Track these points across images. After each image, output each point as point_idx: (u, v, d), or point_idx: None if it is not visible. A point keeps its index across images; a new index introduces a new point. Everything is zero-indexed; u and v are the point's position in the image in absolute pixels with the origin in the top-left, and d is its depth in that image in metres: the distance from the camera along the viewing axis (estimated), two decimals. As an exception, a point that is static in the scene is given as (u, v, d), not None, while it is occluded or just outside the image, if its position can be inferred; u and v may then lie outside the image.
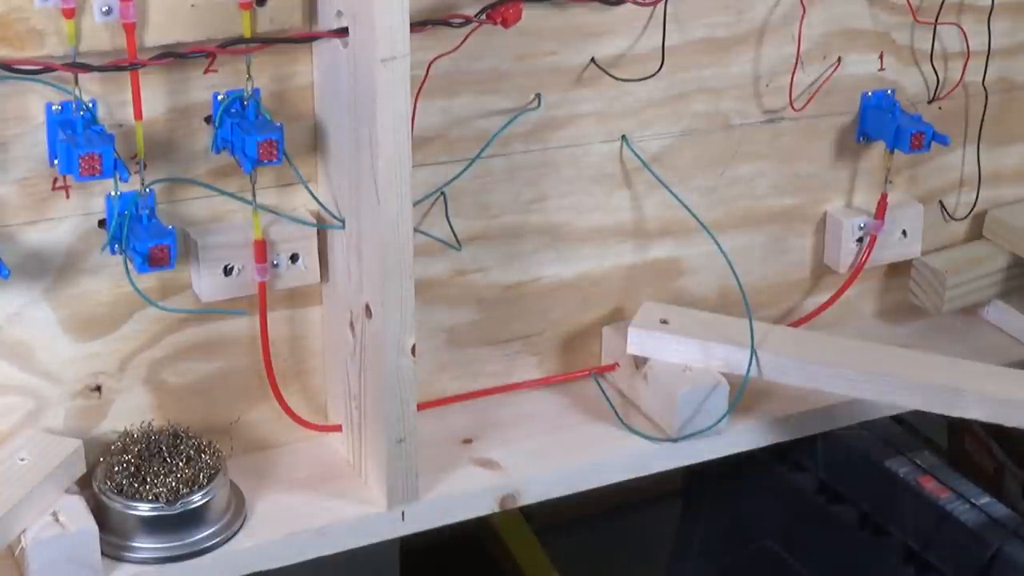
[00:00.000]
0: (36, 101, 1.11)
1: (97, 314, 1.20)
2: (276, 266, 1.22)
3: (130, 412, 1.23)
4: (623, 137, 1.36)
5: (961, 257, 1.55)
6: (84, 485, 1.19)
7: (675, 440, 1.33)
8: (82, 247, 1.17)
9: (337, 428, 1.30)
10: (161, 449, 1.20)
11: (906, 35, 1.46)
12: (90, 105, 1.11)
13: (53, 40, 1.08)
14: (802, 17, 1.38)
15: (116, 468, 1.18)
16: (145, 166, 1.15)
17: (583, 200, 1.36)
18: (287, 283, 1.24)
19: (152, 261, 1.12)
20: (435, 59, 1.22)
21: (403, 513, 1.25)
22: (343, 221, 1.20)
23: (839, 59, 1.43)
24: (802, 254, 1.50)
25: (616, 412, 1.36)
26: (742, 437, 1.38)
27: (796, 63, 1.40)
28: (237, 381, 1.27)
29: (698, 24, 1.35)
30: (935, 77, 1.48)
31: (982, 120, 1.52)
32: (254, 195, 1.19)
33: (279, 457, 1.30)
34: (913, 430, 1.49)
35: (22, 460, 1.16)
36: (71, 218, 1.16)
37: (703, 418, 1.33)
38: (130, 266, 1.15)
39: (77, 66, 1.09)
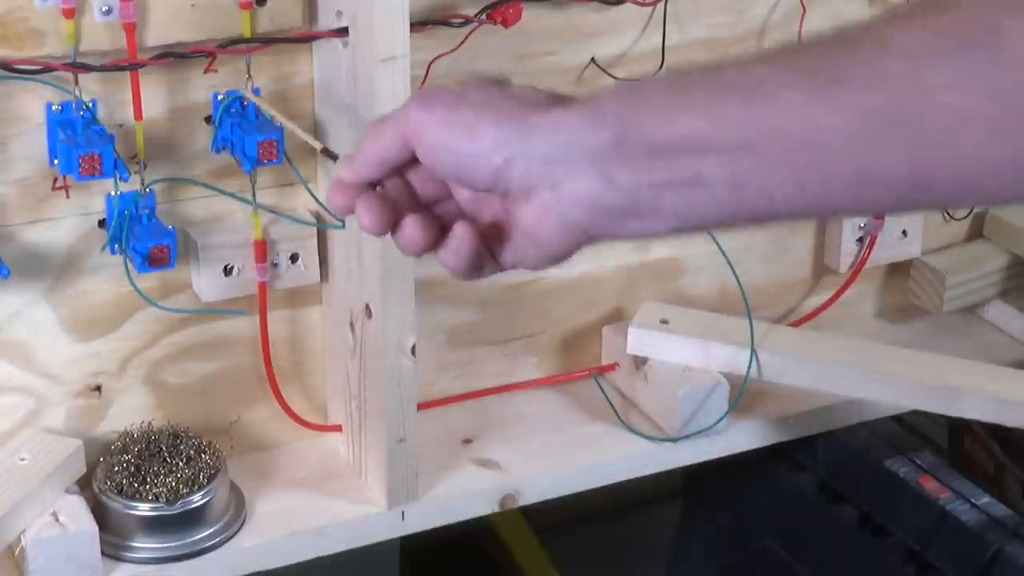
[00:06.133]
0: (36, 101, 1.11)
1: (97, 314, 1.20)
2: (276, 266, 1.22)
3: (130, 412, 1.23)
4: (623, 137, 1.35)
5: (961, 257, 1.55)
6: (84, 485, 1.19)
7: (675, 440, 1.33)
8: (82, 247, 1.17)
9: (337, 428, 1.30)
10: (161, 449, 1.20)
11: (906, 35, 1.45)
12: (90, 105, 1.11)
13: (53, 40, 1.08)
14: (802, 17, 1.38)
15: (116, 468, 1.18)
16: (145, 166, 1.15)
17: (583, 200, 1.36)
18: (287, 283, 1.24)
19: (152, 261, 1.12)
20: (435, 59, 1.22)
21: (403, 513, 1.24)
22: (343, 221, 1.20)
23: (839, 59, 1.42)
24: (802, 254, 1.50)
25: (616, 412, 1.36)
26: (742, 437, 1.38)
27: (796, 63, 1.40)
28: (237, 381, 1.27)
29: (698, 24, 1.35)
30: (935, 77, 1.48)
31: (982, 120, 1.52)
32: (254, 195, 1.19)
33: (279, 457, 1.29)
34: (913, 430, 1.49)
35: (22, 460, 1.16)
36: (71, 218, 1.16)
37: (703, 418, 1.33)
38: (130, 266, 1.14)
39: (77, 66, 1.09)
